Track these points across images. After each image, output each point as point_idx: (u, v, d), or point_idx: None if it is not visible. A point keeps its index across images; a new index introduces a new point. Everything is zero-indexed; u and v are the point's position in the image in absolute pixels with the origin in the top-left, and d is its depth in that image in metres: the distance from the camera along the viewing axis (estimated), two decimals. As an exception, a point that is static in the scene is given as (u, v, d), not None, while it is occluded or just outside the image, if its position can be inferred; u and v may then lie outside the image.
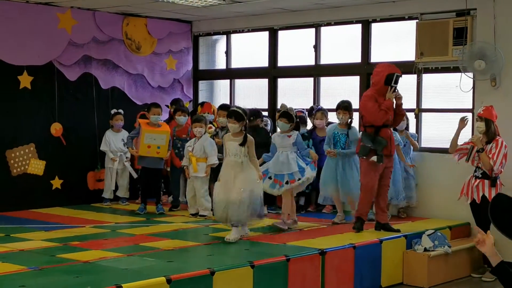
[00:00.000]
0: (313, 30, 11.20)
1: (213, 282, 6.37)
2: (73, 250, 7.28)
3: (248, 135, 7.97)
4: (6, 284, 5.88)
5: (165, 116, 11.15)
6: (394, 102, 8.62)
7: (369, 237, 8.39)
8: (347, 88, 10.94)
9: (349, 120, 9.22)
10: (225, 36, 12.35)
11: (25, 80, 10.43)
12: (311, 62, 11.25)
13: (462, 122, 8.77)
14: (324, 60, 11.20)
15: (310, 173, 8.58)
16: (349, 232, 8.63)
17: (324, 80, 11.29)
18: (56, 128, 10.74)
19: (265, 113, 11.01)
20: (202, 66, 12.74)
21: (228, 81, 12.40)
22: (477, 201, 8.43)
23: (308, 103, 11.08)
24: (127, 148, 10.42)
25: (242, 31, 12.03)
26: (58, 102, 10.80)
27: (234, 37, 12.30)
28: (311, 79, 11.29)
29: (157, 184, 10.29)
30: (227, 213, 7.82)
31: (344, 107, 9.21)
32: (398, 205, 9.84)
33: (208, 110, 11.02)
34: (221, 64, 12.53)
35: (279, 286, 7.02)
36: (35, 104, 10.56)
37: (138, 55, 11.83)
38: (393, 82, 8.57)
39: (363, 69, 10.66)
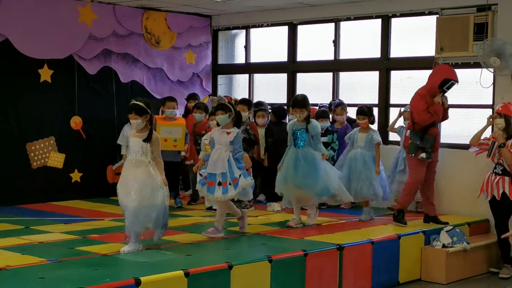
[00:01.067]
0: (332, 25, 11.17)
1: (231, 276, 6.38)
2: (92, 243, 7.33)
3: (154, 131, 7.12)
4: (26, 276, 5.93)
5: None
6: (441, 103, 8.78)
7: (387, 232, 8.38)
8: (366, 84, 10.93)
9: (307, 114, 8.42)
10: (244, 30, 12.36)
11: (45, 74, 10.50)
12: (331, 57, 11.23)
13: (490, 121, 8.74)
14: (343, 55, 11.17)
15: (244, 182, 7.70)
16: (367, 227, 8.63)
17: (343, 75, 11.26)
18: (76, 122, 10.80)
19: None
20: (221, 60, 12.76)
21: (247, 75, 12.41)
22: (497, 197, 8.38)
23: (327, 98, 11.07)
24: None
25: (262, 26, 12.03)
26: (78, 95, 10.85)
27: (253, 31, 12.30)
28: (330, 74, 11.26)
29: (175, 177, 10.30)
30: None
31: (299, 105, 8.40)
32: (383, 205, 9.68)
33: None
34: (240, 59, 12.54)
35: (296, 281, 7.02)
36: (55, 97, 10.62)
37: (158, 49, 11.87)
38: (445, 87, 8.66)
39: (383, 64, 10.62)
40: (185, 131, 10.09)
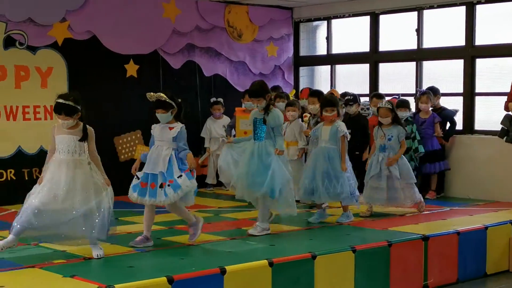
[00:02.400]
0: (415, 13, 11.03)
1: (314, 266, 6.42)
2: (178, 233, 7.48)
3: (87, 126, 6.42)
4: (115, 265, 6.12)
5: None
6: None
7: (474, 223, 8.23)
8: (450, 72, 10.74)
9: (266, 104, 7.45)
10: (325, 21, 12.34)
11: (131, 69, 10.76)
12: (414, 46, 11.09)
13: None
14: (426, 44, 11.01)
15: (186, 182, 6.70)
16: (453, 218, 8.51)
17: (426, 64, 11.11)
18: (161, 115, 11.01)
19: (366, 99, 10.89)
20: (303, 52, 12.78)
21: (328, 67, 12.38)
22: None
23: (410, 88, 10.94)
24: (226, 136, 10.60)
25: (343, 16, 11.98)
26: (163, 89, 10.94)
27: (334, 22, 12.26)
28: (413, 63, 11.12)
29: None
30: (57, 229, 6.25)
31: (254, 94, 7.55)
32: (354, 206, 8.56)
33: (305, 97, 11.03)
34: (321, 50, 12.52)
35: (381, 271, 6.99)
36: (141, 91, 10.75)
37: (240, 42, 11.98)
38: None
39: (467, 52, 10.42)
40: (265, 123, 10.14)
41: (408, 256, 7.22)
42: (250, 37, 12.10)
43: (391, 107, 8.67)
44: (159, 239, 7.18)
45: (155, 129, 7.00)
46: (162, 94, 6.85)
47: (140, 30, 10.77)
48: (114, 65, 10.58)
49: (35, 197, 6.21)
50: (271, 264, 6.12)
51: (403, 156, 8.74)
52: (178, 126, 6.87)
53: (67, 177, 6.23)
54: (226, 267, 5.87)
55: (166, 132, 6.87)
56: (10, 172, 9.75)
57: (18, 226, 6.20)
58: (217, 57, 11.72)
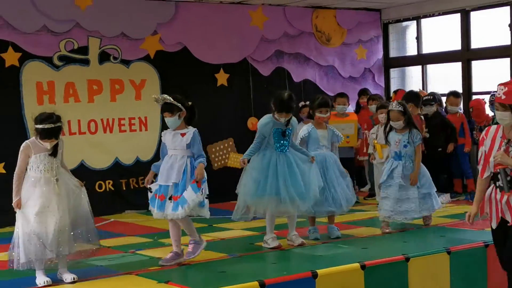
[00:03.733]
0: (507, 8, 10.74)
1: (408, 268, 6.35)
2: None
3: (60, 139, 6.02)
4: (208, 270, 6.25)
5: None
6: None
7: None
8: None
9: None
10: (415, 21, 12.18)
11: (221, 78, 10.94)
12: (507, 42, 10.80)
13: None
14: (521, 39, 10.73)
15: (192, 196, 6.24)
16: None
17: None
18: (252, 122, 11.11)
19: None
20: (392, 53, 12.65)
21: (419, 67, 12.21)
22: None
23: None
24: None
25: (433, 15, 11.80)
26: (253, 97, 11.20)
27: (424, 21, 12.09)
28: (508, 59, 10.83)
29: (349, 173, 10.33)
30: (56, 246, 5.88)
31: (291, 109, 7.06)
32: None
33: (400, 99, 10.92)
34: (412, 50, 12.37)
35: (478, 273, 6.83)
36: (231, 100, 11.03)
37: (328, 46, 11.98)
38: None
39: None
40: (357, 127, 10.11)
41: (506, 257, 7.02)
42: (338, 41, 12.08)
43: (402, 110, 7.72)
44: (251, 245, 7.28)
45: (166, 136, 6.49)
46: (166, 96, 6.34)
47: (229, 39, 10.94)
48: (205, 75, 10.78)
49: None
50: (363, 267, 6.09)
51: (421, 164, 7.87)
52: (190, 131, 6.39)
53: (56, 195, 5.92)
54: (317, 270, 5.88)
55: (179, 139, 6.38)
56: (109, 183, 10.08)
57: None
58: (306, 63, 11.75)
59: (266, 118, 7.11)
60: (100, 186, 9.99)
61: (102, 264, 6.53)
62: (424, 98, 10.13)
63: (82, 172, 9.76)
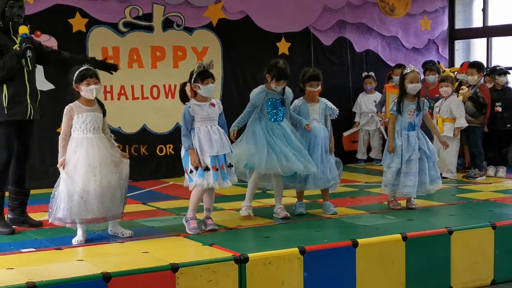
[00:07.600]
0: None
1: (451, 241, 6.39)
2: (317, 207, 7.62)
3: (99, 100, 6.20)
4: (252, 235, 6.46)
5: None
6: None
7: None
8: None
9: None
10: (481, -8, 12.00)
11: (283, 46, 11.04)
12: None
13: None
14: None
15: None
16: None
17: None
18: (313, 91, 11.22)
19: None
20: (458, 25, 12.49)
21: (485, 39, 12.03)
22: None
23: None
24: (377, 113, 10.68)
25: (500, -13, 11.61)
26: (315, 66, 11.20)
27: (491, -7, 11.91)
28: None
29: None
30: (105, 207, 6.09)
31: (287, 77, 7.23)
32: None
33: (465, 71, 10.80)
34: (477, 22, 12.18)
35: (525, 249, 6.83)
36: (293, 69, 10.83)
37: (392, 17, 11.92)
38: None
39: None
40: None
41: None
42: (402, 11, 11.99)
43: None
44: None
45: (194, 108, 6.25)
46: (201, 63, 6.27)
47: (291, 8, 11.01)
48: (266, 44, 10.88)
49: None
50: (404, 238, 6.15)
51: None
52: (218, 102, 6.42)
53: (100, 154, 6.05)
54: (358, 240, 5.97)
55: (212, 109, 6.30)
56: (169, 147, 10.36)
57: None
58: (368, 33, 11.73)
59: (259, 88, 7.15)
60: (161, 150, 10.29)
61: (154, 225, 6.81)
62: (497, 68, 9.97)
63: (144, 136, 10.14)
